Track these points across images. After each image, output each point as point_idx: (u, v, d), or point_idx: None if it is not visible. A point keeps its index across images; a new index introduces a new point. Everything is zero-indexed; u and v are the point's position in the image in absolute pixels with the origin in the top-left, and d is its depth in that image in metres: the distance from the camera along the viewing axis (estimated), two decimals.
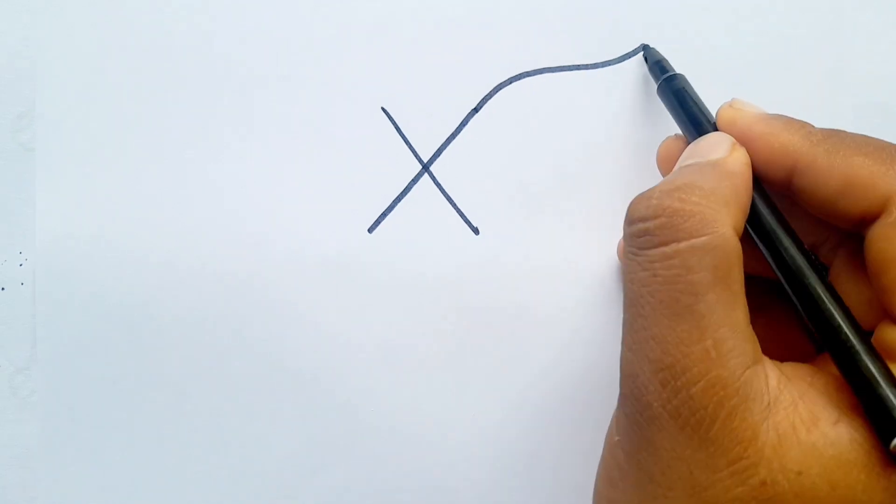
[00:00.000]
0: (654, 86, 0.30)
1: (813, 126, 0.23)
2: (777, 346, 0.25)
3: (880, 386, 0.20)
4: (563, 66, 0.32)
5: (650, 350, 0.21)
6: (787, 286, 0.23)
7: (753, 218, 0.23)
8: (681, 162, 0.24)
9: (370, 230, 0.32)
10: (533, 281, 0.32)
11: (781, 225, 0.23)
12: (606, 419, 0.25)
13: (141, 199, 0.31)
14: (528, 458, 0.32)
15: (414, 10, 0.32)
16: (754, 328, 0.25)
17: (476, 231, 0.32)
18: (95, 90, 0.31)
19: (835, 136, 0.23)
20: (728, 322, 0.20)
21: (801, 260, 0.22)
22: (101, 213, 0.31)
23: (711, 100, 0.32)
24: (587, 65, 0.32)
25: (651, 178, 0.32)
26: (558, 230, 0.32)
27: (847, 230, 0.23)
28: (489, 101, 0.32)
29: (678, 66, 0.32)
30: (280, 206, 0.31)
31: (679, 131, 0.28)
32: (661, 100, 0.29)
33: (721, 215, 0.21)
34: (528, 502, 0.32)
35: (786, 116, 0.24)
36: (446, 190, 0.32)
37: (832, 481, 0.20)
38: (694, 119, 0.27)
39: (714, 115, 0.26)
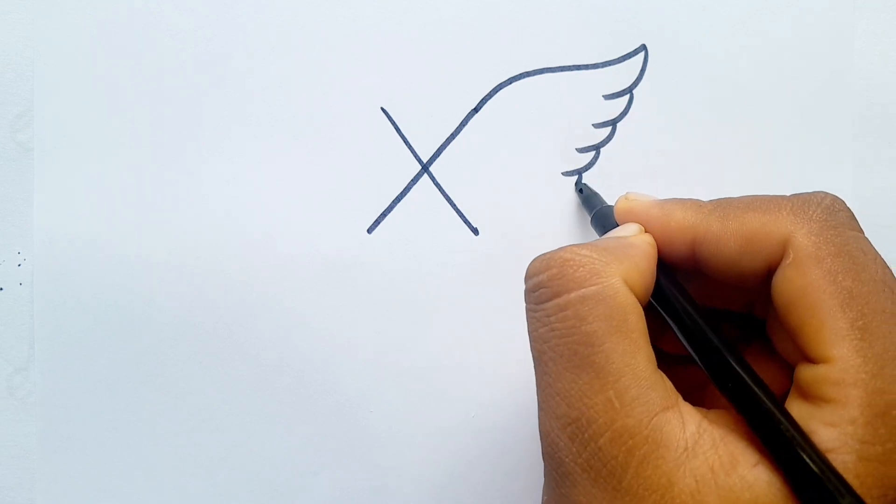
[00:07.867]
0: (653, 87, 0.30)
1: (703, 200, 0.24)
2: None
3: (811, 463, 0.19)
4: (563, 66, 0.32)
5: (556, 406, 0.21)
6: (699, 362, 0.22)
7: (662, 299, 0.24)
8: None
9: (370, 230, 0.32)
10: None
11: (690, 306, 0.23)
12: None
13: (140, 199, 0.31)
14: (528, 458, 0.32)
15: (414, 11, 0.32)
16: (698, 380, 0.25)
17: (476, 231, 0.32)
18: (94, 90, 0.31)
19: (724, 203, 0.24)
20: (629, 371, 0.21)
21: (712, 336, 0.22)
22: (99, 212, 0.31)
23: (711, 100, 0.32)
24: (587, 65, 0.32)
25: (650, 177, 0.32)
26: (558, 230, 0.32)
27: (759, 287, 0.23)
28: (489, 101, 0.32)
29: (678, 67, 0.32)
30: (280, 206, 0.31)
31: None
32: (594, 229, 0.29)
33: (610, 267, 0.22)
34: (528, 502, 0.32)
35: (678, 198, 0.25)
36: (446, 190, 0.32)
37: None
38: None
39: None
